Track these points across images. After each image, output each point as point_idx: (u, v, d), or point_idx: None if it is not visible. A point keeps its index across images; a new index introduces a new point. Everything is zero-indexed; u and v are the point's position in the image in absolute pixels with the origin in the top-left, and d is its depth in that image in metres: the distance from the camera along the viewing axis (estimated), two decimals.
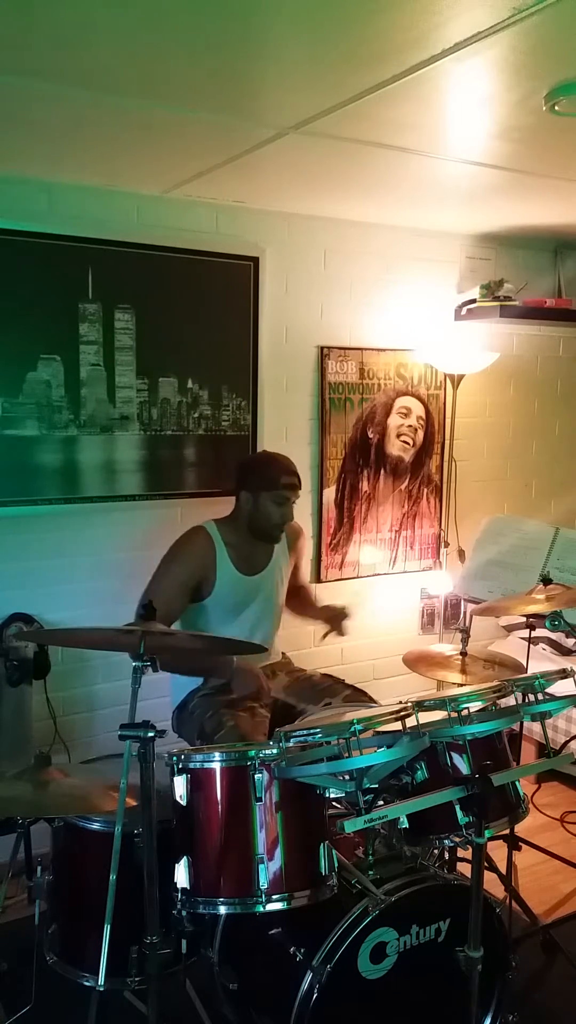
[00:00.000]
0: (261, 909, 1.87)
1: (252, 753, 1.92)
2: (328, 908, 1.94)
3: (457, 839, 2.09)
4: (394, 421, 3.77)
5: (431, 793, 1.87)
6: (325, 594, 3.65)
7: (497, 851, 2.78)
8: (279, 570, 2.98)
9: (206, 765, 1.95)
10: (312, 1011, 1.86)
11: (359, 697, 2.82)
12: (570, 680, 2.22)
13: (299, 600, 3.21)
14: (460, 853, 2.67)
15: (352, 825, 1.78)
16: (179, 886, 1.93)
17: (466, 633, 2.76)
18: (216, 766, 1.94)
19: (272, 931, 2.00)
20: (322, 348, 3.55)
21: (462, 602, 3.94)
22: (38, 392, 2.98)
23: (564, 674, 2.21)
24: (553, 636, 3.80)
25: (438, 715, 2.03)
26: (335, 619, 3.07)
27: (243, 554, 2.85)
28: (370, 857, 2.07)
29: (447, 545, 3.99)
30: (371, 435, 3.72)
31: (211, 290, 3.25)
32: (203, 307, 3.24)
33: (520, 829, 2.67)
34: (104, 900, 1.64)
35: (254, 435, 3.42)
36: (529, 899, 2.88)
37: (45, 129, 2.38)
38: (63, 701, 3.14)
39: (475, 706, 2.05)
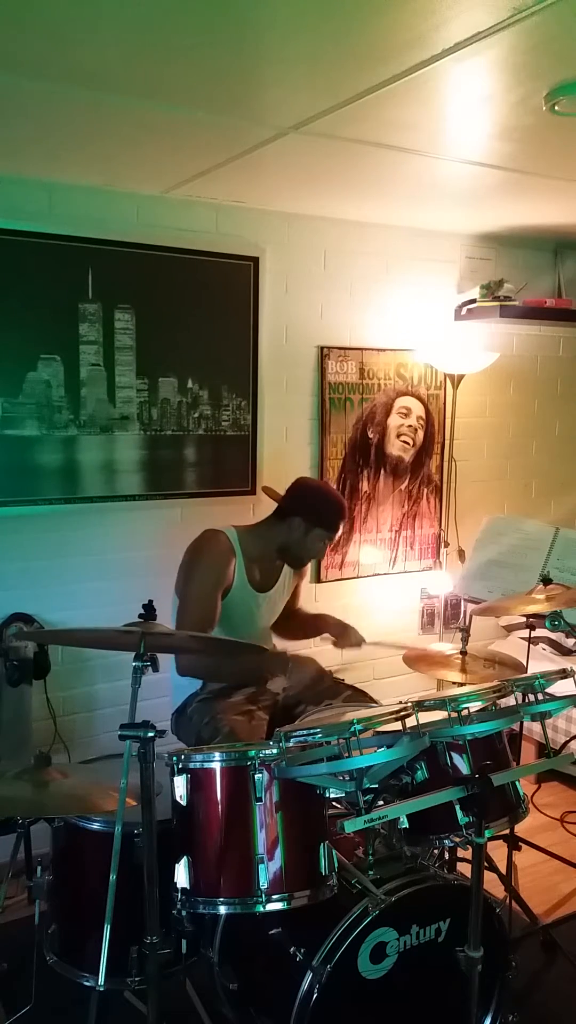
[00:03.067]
0: (261, 909, 1.87)
1: (252, 753, 1.92)
2: (328, 908, 1.94)
3: (457, 839, 2.09)
4: (394, 421, 3.77)
5: (431, 793, 1.87)
6: (325, 594, 3.66)
7: (497, 851, 2.78)
8: (284, 591, 2.96)
9: (206, 765, 1.95)
10: (312, 1011, 1.86)
11: (360, 698, 2.82)
12: (570, 680, 2.22)
13: (294, 622, 3.11)
14: (460, 853, 2.67)
15: (352, 825, 1.78)
16: (179, 886, 1.93)
17: (466, 633, 2.75)
18: (216, 766, 1.94)
19: (272, 931, 2.00)
20: (322, 348, 3.55)
21: (462, 602, 3.94)
22: (38, 392, 2.98)
23: (564, 674, 2.21)
24: (553, 636, 3.80)
25: (438, 715, 2.03)
26: (344, 635, 2.96)
27: (258, 569, 2.82)
28: (370, 857, 2.07)
29: (447, 545, 3.99)
30: (371, 435, 3.72)
31: (211, 290, 3.25)
32: (203, 307, 3.24)
33: (520, 829, 2.67)
34: (104, 900, 1.64)
35: (254, 435, 3.42)
36: (529, 899, 2.88)
37: (46, 129, 2.38)
38: (63, 701, 3.14)
39: (475, 706, 2.05)
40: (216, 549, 2.74)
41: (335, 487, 2.95)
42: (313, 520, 2.80)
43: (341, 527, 2.87)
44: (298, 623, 3.13)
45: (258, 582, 2.83)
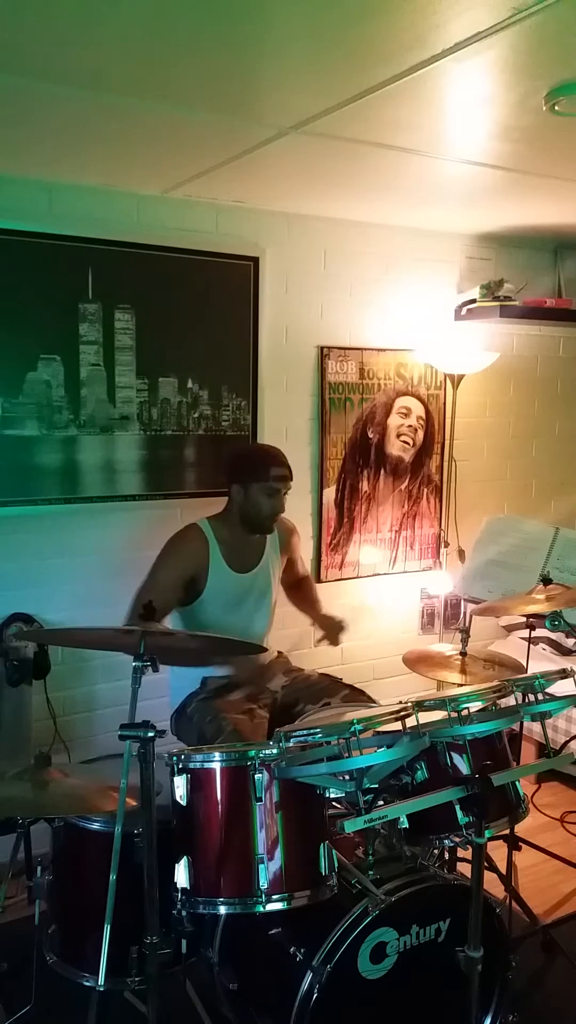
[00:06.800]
0: (261, 909, 1.87)
1: (252, 753, 1.92)
2: (328, 908, 1.94)
3: (457, 839, 2.09)
4: (394, 421, 3.77)
5: (431, 793, 1.87)
6: (325, 594, 3.65)
7: (497, 851, 2.78)
8: (271, 568, 2.98)
9: (206, 765, 1.95)
10: (312, 1011, 1.86)
11: (358, 697, 2.82)
12: (570, 680, 2.22)
13: (301, 593, 3.22)
14: (460, 853, 2.67)
15: (352, 825, 1.78)
16: (179, 886, 1.93)
17: (466, 633, 2.75)
18: (216, 766, 1.94)
19: (272, 931, 2.00)
20: (322, 348, 3.55)
21: (462, 602, 3.94)
22: (38, 392, 2.98)
23: (564, 674, 2.21)
24: (553, 636, 3.80)
25: (438, 715, 2.03)
26: (331, 629, 3.07)
27: (235, 551, 2.85)
28: (370, 857, 2.07)
29: (447, 545, 3.99)
30: (371, 435, 3.72)
31: (211, 290, 3.25)
32: (203, 307, 3.24)
33: (520, 829, 2.67)
34: (104, 900, 1.64)
35: (254, 435, 3.42)
36: (529, 899, 2.88)
37: (46, 129, 2.38)
38: (63, 701, 3.14)
39: (475, 706, 2.05)
40: (184, 545, 2.81)
41: (275, 450, 2.92)
42: (245, 480, 2.82)
43: (275, 471, 2.81)
44: (299, 597, 3.20)
45: (240, 563, 2.86)
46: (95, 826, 2.09)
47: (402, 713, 1.94)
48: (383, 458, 3.76)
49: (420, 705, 1.98)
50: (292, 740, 1.89)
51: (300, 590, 3.22)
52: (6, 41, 1.81)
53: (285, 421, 3.52)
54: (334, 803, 2.06)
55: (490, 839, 2.09)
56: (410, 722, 1.93)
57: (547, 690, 2.15)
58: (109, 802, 1.91)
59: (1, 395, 2.92)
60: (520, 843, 2.83)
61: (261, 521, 2.85)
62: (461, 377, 3.82)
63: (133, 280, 3.09)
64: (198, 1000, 2.30)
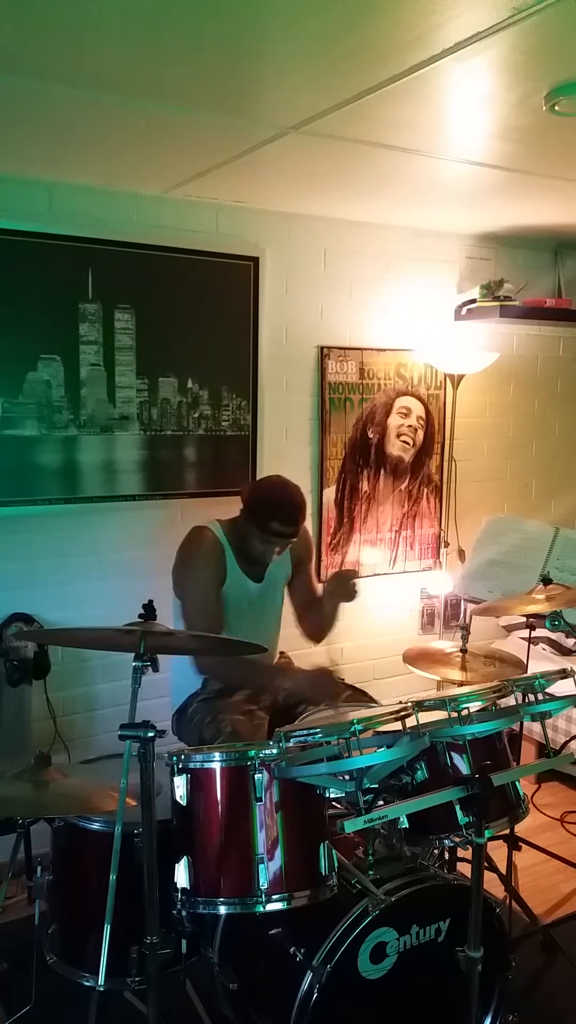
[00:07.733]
0: (261, 909, 1.87)
1: (252, 753, 1.92)
2: (328, 908, 1.94)
3: (457, 839, 2.09)
4: (394, 421, 3.77)
5: (431, 793, 1.87)
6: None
7: (497, 851, 2.78)
8: (278, 577, 2.97)
9: (206, 765, 1.95)
10: (312, 1011, 1.86)
11: (360, 697, 2.82)
12: (570, 680, 2.23)
13: (317, 611, 3.08)
14: (460, 853, 2.67)
15: (352, 825, 1.78)
16: (179, 886, 1.93)
17: (466, 630, 2.76)
18: (216, 766, 1.94)
19: (272, 931, 2.00)
20: (322, 348, 3.55)
21: (462, 602, 3.94)
22: (38, 392, 2.98)
23: (564, 674, 2.21)
24: (553, 636, 3.80)
25: (438, 715, 2.03)
26: (343, 585, 2.90)
27: (246, 557, 2.83)
28: (370, 857, 2.07)
29: (447, 545, 3.99)
30: (371, 435, 3.72)
31: (211, 290, 3.25)
32: (203, 307, 3.24)
33: (520, 829, 2.67)
34: (104, 900, 1.64)
35: (254, 435, 3.42)
36: (529, 899, 2.88)
37: (46, 129, 2.38)
38: (63, 701, 3.14)
39: (475, 706, 2.05)
40: (205, 545, 2.77)
41: (287, 503, 2.75)
42: (249, 517, 2.74)
43: (275, 527, 2.68)
44: (317, 607, 3.08)
45: (251, 570, 2.84)
46: (95, 826, 2.09)
47: (402, 713, 1.94)
48: (383, 458, 3.76)
49: (420, 705, 1.98)
50: (292, 740, 1.89)
51: (316, 608, 3.06)
52: (6, 41, 1.81)
53: (285, 421, 3.52)
54: (334, 803, 2.06)
55: (490, 839, 2.10)
56: (410, 722, 1.93)
57: (547, 690, 2.15)
58: (109, 802, 1.91)
59: (1, 395, 2.92)
60: (520, 843, 2.84)
61: (253, 557, 2.79)
62: (461, 377, 3.81)
63: (133, 280, 3.09)
64: (198, 1000, 2.30)
